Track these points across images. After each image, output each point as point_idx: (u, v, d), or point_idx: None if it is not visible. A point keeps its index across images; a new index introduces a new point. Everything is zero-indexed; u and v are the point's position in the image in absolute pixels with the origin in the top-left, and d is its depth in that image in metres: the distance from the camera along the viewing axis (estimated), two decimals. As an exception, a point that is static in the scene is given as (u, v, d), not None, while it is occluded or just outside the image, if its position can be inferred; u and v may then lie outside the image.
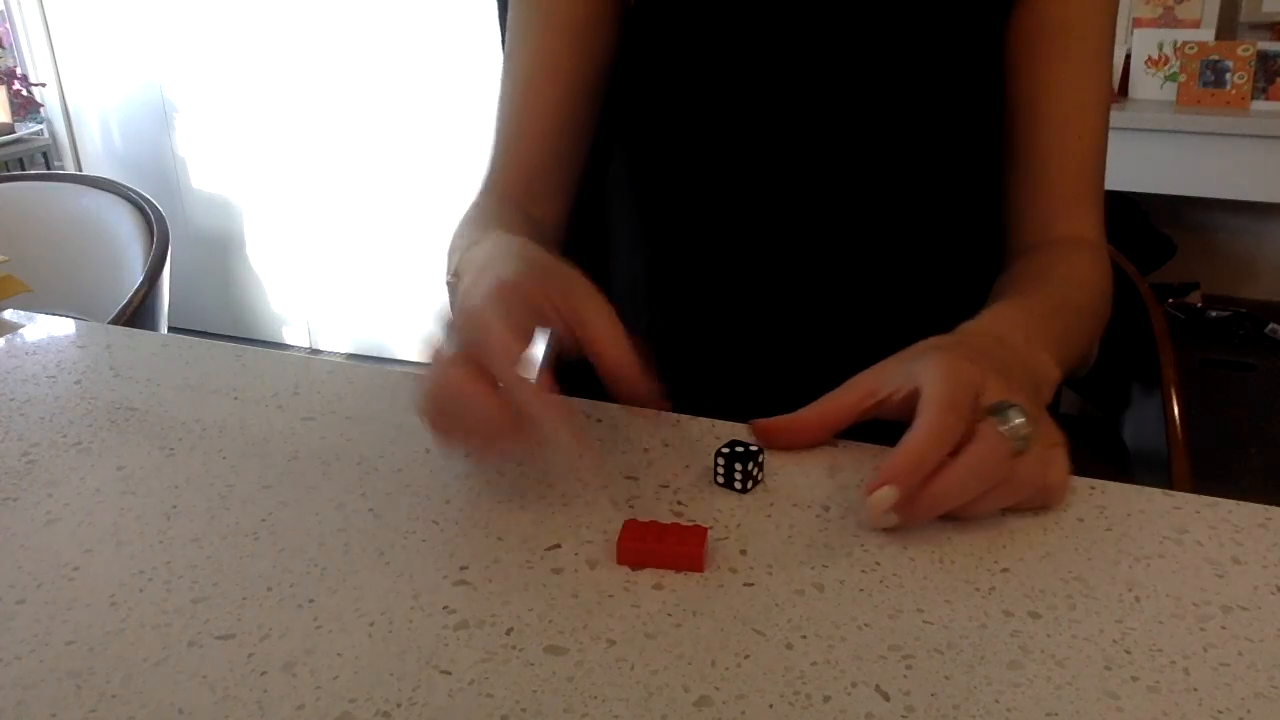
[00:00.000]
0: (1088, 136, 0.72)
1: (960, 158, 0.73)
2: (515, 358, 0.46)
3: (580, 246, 0.82)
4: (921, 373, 0.48)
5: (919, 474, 0.44)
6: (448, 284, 0.61)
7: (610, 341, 0.47)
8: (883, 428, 0.59)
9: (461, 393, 0.45)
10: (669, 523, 0.45)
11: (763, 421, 0.54)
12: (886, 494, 0.44)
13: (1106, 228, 0.73)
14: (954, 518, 0.47)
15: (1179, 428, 0.82)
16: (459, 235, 0.67)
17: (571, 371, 0.51)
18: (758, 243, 0.74)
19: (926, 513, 0.45)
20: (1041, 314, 0.60)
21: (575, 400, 0.59)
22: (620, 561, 0.44)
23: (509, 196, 0.75)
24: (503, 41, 0.84)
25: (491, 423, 0.45)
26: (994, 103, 0.73)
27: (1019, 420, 0.46)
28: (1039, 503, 0.48)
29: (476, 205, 0.73)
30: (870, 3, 0.69)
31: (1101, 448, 0.87)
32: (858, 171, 0.71)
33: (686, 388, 0.80)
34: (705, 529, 0.44)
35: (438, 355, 0.47)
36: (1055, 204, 0.72)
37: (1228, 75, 2.01)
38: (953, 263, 0.75)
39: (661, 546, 0.43)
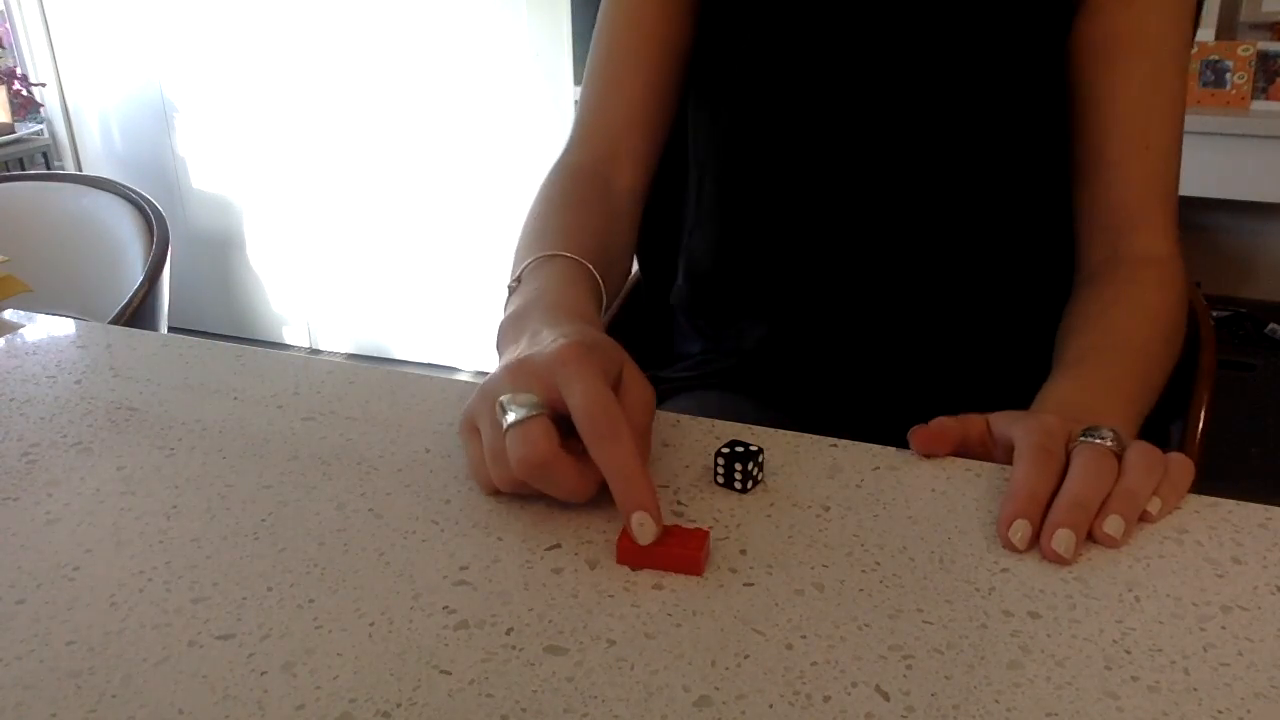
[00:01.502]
0: (1156, 148, 0.70)
1: (1020, 159, 0.73)
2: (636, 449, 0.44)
3: (649, 219, 0.80)
4: (1012, 427, 0.51)
5: (1035, 501, 0.46)
6: (509, 287, 0.61)
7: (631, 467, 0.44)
8: (883, 428, 0.59)
9: (548, 465, 0.44)
10: (670, 524, 0.45)
11: (922, 429, 0.53)
12: (1019, 526, 0.45)
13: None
14: (957, 525, 0.47)
15: (1198, 444, 0.79)
16: (528, 233, 0.66)
17: None
18: (818, 229, 0.74)
19: (1066, 524, 0.44)
20: (1107, 383, 0.60)
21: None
22: (620, 561, 0.44)
23: (587, 168, 0.74)
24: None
25: (575, 492, 0.45)
26: (1055, 107, 0.72)
27: (1109, 433, 0.48)
28: (1175, 488, 0.48)
29: (550, 187, 0.72)
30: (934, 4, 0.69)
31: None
32: (918, 165, 0.72)
33: (742, 357, 0.79)
34: (706, 531, 0.44)
35: (496, 422, 0.45)
36: (1123, 218, 0.71)
37: (1228, 75, 2.01)
38: (1012, 261, 0.75)
39: (661, 548, 0.43)
